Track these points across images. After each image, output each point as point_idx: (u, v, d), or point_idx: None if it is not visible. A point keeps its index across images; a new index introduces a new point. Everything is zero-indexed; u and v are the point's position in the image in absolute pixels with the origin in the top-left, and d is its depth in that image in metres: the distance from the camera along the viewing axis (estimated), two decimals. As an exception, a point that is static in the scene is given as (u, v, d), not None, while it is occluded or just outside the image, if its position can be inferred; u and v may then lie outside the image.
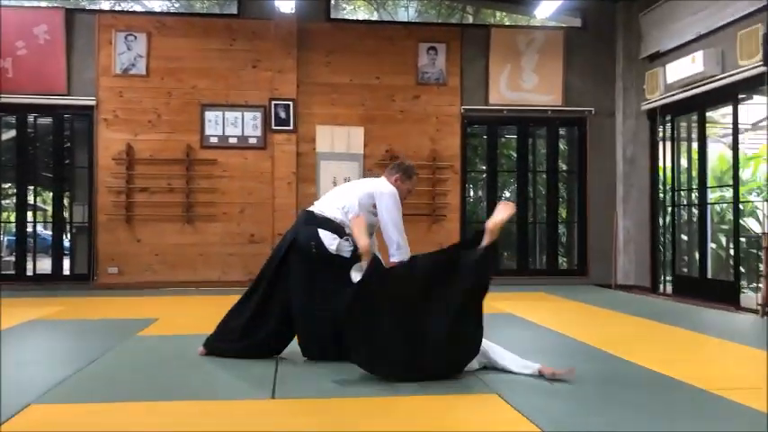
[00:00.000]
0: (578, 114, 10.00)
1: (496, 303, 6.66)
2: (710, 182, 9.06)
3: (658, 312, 6.86)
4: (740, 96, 7.86)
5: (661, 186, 9.40)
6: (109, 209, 9.19)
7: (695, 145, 8.64)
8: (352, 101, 9.62)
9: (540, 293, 8.55)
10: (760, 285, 7.13)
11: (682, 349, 4.97)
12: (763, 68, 6.99)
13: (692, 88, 8.22)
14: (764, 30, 6.94)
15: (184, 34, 9.44)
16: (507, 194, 11.61)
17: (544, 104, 9.91)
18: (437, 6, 12.14)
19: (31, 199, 10.11)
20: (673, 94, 8.65)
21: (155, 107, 9.33)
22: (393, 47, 9.73)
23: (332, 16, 10.04)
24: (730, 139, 8.29)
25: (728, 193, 8.67)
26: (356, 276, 3.97)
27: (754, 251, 8.90)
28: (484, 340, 3.89)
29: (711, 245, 8.87)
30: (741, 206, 8.82)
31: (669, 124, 9.09)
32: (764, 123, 8.67)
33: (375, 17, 12.44)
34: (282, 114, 9.39)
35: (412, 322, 3.75)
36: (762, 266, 7.07)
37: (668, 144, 9.17)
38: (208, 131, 9.39)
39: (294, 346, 4.35)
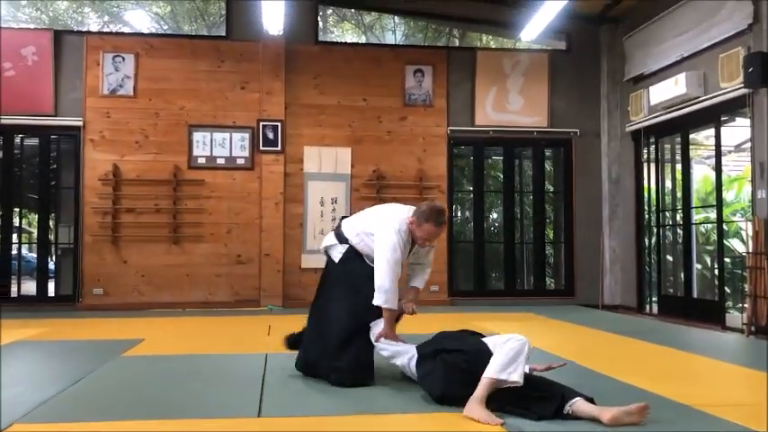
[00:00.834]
0: (563, 136, 10.11)
1: (485, 324, 6.66)
2: (695, 202, 9.15)
3: (644, 331, 6.88)
4: (722, 118, 7.97)
5: (646, 207, 9.48)
6: (95, 230, 9.14)
7: (679, 166, 8.74)
8: (340, 122, 9.67)
9: (528, 314, 8.55)
10: (745, 305, 7.18)
11: (667, 367, 4.99)
12: (743, 90, 7.10)
13: (675, 110, 8.34)
14: (745, 52, 7.07)
15: (172, 56, 9.48)
16: (495, 215, 11.69)
17: (530, 126, 10.00)
18: (424, 30, 12.29)
19: (16, 221, 10.03)
20: (656, 116, 8.77)
21: (142, 128, 9.33)
22: (380, 69, 9.82)
23: (320, 39, 10.14)
24: (714, 160, 8.40)
25: (713, 214, 8.77)
26: (374, 331, 4.02)
27: (739, 271, 8.97)
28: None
29: (697, 265, 8.94)
30: (725, 227, 8.92)
31: (653, 146, 9.19)
32: (747, 145, 8.79)
33: (363, 40, 12.55)
34: (270, 135, 9.42)
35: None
36: (746, 286, 7.12)
37: (653, 165, 9.28)
38: (195, 152, 9.39)
39: (281, 362, 4.33)
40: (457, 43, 12.18)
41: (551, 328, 7.41)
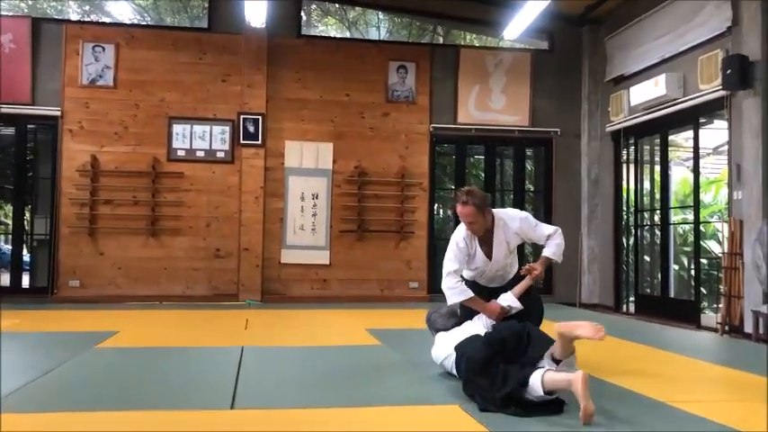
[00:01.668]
0: (544, 135, 10.14)
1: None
2: (673, 203, 9.22)
3: (621, 330, 6.91)
4: (701, 120, 8.05)
5: (625, 207, 9.54)
6: (72, 221, 9.02)
7: (658, 167, 8.81)
8: (322, 117, 9.63)
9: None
10: (720, 305, 7.26)
11: (643, 364, 5.01)
12: (722, 92, 7.17)
13: (654, 111, 8.40)
14: (724, 55, 7.13)
15: (154, 47, 9.38)
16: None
17: (511, 125, 10.02)
18: (408, 27, 12.27)
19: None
20: (636, 117, 8.82)
21: (121, 119, 9.22)
22: (363, 64, 9.79)
23: (303, 32, 10.08)
24: (692, 162, 8.47)
25: (690, 216, 8.84)
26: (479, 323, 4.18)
27: (715, 272, 9.06)
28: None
29: (674, 265, 9.01)
30: (702, 228, 9.00)
31: (633, 146, 9.26)
32: (725, 148, 8.87)
33: (347, 35, 12.51)
34: (251, 129, 9.36)
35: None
36: (722, 287, 7.20)
37: (632, 166, 9.34)
38: (175, 144, 9.30)
39: (256, 355, 4.29)
40: (441, 41, 12.17)
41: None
